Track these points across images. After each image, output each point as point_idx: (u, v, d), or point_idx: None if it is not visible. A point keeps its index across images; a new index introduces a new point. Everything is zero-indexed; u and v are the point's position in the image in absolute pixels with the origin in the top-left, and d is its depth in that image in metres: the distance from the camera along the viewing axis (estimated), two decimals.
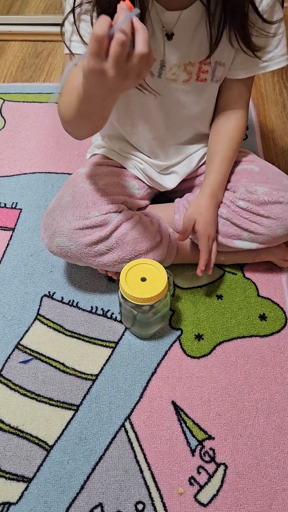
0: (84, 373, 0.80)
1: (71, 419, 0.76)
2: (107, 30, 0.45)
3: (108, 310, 0.88)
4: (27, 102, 1.35)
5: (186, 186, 0.94)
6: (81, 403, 0.77)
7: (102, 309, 0.89)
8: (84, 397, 0.78)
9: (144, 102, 0.80)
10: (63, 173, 1.14)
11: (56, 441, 0.73)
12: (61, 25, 0.70)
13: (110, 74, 0.47)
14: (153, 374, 0.80)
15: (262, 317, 0.87)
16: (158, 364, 0.81)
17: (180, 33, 0.70)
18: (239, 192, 0.84)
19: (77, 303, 0.90)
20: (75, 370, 0.81)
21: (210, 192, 0.81)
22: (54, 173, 1.14)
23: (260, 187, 0.82)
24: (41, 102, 1.35)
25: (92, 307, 0.89)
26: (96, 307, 0.89)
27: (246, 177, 0.86)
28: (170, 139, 0.87)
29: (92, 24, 0.67)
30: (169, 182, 0.92)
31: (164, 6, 0.67)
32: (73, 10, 0.67)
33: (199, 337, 0.84)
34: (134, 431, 0.74)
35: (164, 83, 0.77)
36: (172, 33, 0.70)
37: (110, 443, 0.73)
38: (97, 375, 0.80)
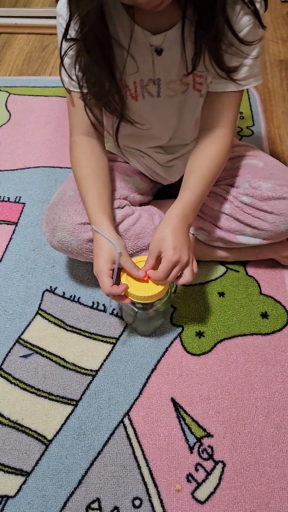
0: (84, 369, 0.80)
1: (70, 414, 0.76)
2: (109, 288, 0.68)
3: (110, 306, 0.88)
4: (32, 95, 1.35)
5: None
6: (80, 398, 0.77)
7: (103, 304, 0.88)
8: (84, 392, 0.78)
9: (148, 121, 0.79)
10: (67, 168, 1.13)
11: (55, 435, 0.74)
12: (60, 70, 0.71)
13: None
14: (153, 370, 0.80)
15: (264, 315, 0.86)
16: (158, 361, 0.81)
17: (169, 50, 0.69)
18: (242, 188, 0.83)
19: (79, 298, 0.90)
20: (75, 366, 0.81)
21: (180, 211, 0.70)
22: (58, 167, 1.14)
23: (264, 182, 0.81)
24: (46, 96, 1.34)
25: (93, 302, 0.89)
26: (98, 303, 0.89)
27: (250, 172, 0.85)
28: (174, 142, 0.86)
29: (75, 65, 0.68)
30: (173, 175, 0.92)
31: (150, 31, 0.67)
32: (61, 61, 0.68)
33: (200, 334, 0.84)
34: (133, 427, 0.74)
35: (163, 100, 0.76)
36: (162, 49, 0.69)
37: (109, 438, 0.73)
38: (97, 371, 0.80)
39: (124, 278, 0.74)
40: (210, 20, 0.61)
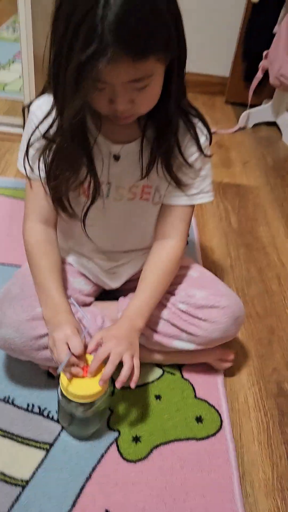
0: (14, 478, 0.76)
1: None
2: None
3: (45, 408, 0.86)
4: None
5: (131, 286, 0.99)
6: None
7: (39, 406, 0.86)
8: (12, 506, 0.72)
9: (90, 222, 0.86)
10: (11, 265, 1.16)
11: None
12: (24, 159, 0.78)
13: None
14: (87, 479, 0.77)
15: (199, 419, 0.88)
16: (94, 468, 0.79)
17: (125, 158, 0.80)
18: (179, 295, 0.90)
19: (13, 399, 0.87)
20: (4, 475, 0.76)
21: (127, 314, 0.80)
22: (1, 264, 1.16)
23: (198, 291, 0.89)
24: None
25: (28, 404, 0.87)
26: (33, 405, 0.86)
27: (187, 281, 0.93)
28: (115, 249, 0.94)
29: (39, 161, 0.77)
30: (114, 281, 0.97)
31: (111, 141, 0.79)
32: (27, 152, 0.77)
33: (136, 439, 0.84)
34: None
35: (110, 202, 0.85)
36: (119, 156, 0.80)
37: None
38: (27, 481, 0.76)
39: (64, 379, 0.75)
40: (164, 138, 0.75)
